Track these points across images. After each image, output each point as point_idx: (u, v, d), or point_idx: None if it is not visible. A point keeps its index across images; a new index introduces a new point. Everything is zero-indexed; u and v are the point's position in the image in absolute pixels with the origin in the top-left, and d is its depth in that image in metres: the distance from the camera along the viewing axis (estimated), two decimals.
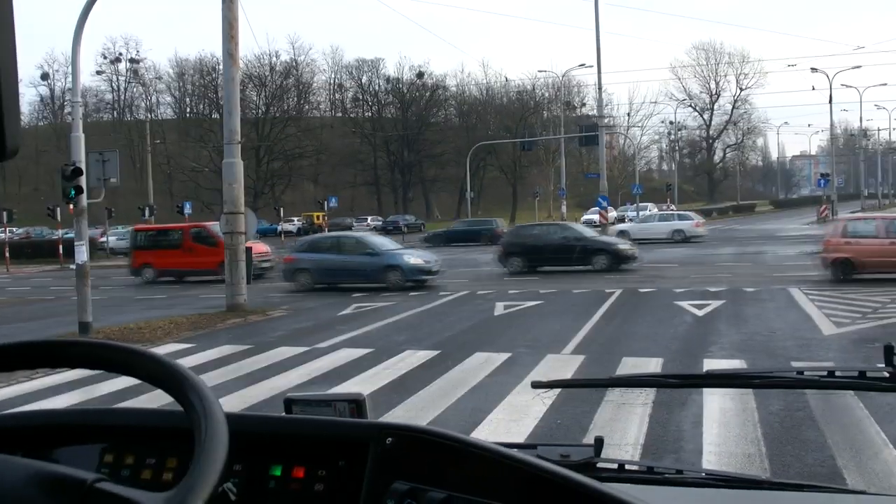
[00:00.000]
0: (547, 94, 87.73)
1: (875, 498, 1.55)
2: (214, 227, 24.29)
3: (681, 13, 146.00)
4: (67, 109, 73.14)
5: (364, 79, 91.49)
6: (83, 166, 14.42)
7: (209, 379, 9.02)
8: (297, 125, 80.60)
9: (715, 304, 14.81)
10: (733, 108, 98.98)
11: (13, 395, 9.15)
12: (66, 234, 36.00)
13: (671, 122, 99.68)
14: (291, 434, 1.35)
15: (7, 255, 38.29)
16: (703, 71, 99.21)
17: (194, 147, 73.89)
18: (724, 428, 6.54)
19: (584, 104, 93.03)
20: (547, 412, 7.16)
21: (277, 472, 1.30)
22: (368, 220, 67.44)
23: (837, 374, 1.70)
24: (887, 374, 1.59)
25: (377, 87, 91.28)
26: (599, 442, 1.58)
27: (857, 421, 6.54)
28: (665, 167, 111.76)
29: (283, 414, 1.48)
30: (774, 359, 9.75)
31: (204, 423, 0.87)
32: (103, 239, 45.66)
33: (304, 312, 16.92)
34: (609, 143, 72.21)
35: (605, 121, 46.03)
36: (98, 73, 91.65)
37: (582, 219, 48.77)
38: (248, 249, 17.39)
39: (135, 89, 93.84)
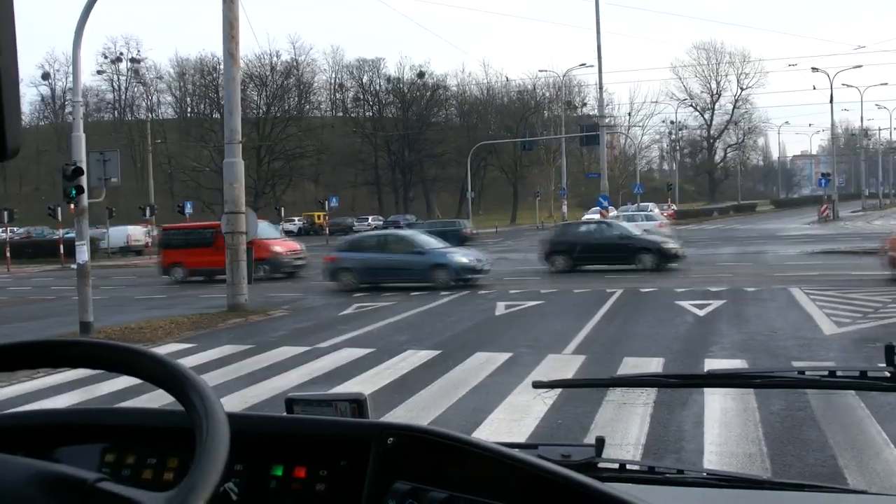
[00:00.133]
0: (548, 94, 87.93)
1: (876, 498, 1.55)
2: None
3: (681, 13, 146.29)
4: (68, 109, 72.99)
5: (365, 78, 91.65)
6: (84, 166, 14.43)
7: (210, 379, 9.01)
8: (298, 125, 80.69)
9: (716, 303, 14.81)
10: (734, 107, 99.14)
11: (14, 394, 9.16)
12: (67, 233, 36.01)
13: (672, 122, 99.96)
14: (293, 434, 1.35)
15: (8, 254, 38.28)
16: (703, 71, 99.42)
17: (195, 147, 73.96)
18: (725, 428, 6.53)
19: (584, 104, 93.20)
20: (548, 412, 7.16)
21: (279, 472, 1.30)
22: (369, 220, 67.07)
23: (838, 373, 1.70)
24: (888, 374, 1.59)
25: (378, 87, 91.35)
26: (600, 442, 1.58)
27: (858, 421, 6.53)
28: (666, 167, 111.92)
29: (285, 414, 1.48)
30: (775, 358, 9.73)
31: (205, 422, 0.87)
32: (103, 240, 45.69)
33: (304, 312, 16.94)
34: (610, 142, 72.31)
35: (606, 120, 46.07)
36: (99, 72, 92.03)
37: (582, 219, 48.73)
38: (249, 249, 17.39)
39: (135, 89, 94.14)
